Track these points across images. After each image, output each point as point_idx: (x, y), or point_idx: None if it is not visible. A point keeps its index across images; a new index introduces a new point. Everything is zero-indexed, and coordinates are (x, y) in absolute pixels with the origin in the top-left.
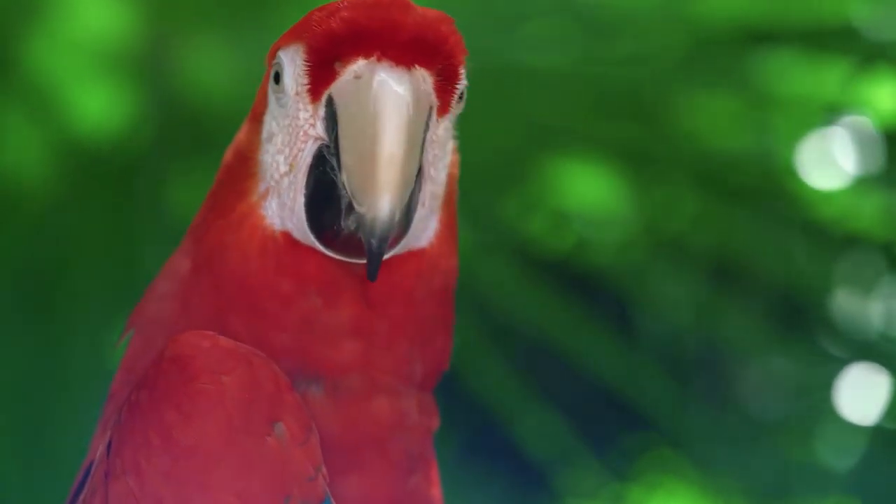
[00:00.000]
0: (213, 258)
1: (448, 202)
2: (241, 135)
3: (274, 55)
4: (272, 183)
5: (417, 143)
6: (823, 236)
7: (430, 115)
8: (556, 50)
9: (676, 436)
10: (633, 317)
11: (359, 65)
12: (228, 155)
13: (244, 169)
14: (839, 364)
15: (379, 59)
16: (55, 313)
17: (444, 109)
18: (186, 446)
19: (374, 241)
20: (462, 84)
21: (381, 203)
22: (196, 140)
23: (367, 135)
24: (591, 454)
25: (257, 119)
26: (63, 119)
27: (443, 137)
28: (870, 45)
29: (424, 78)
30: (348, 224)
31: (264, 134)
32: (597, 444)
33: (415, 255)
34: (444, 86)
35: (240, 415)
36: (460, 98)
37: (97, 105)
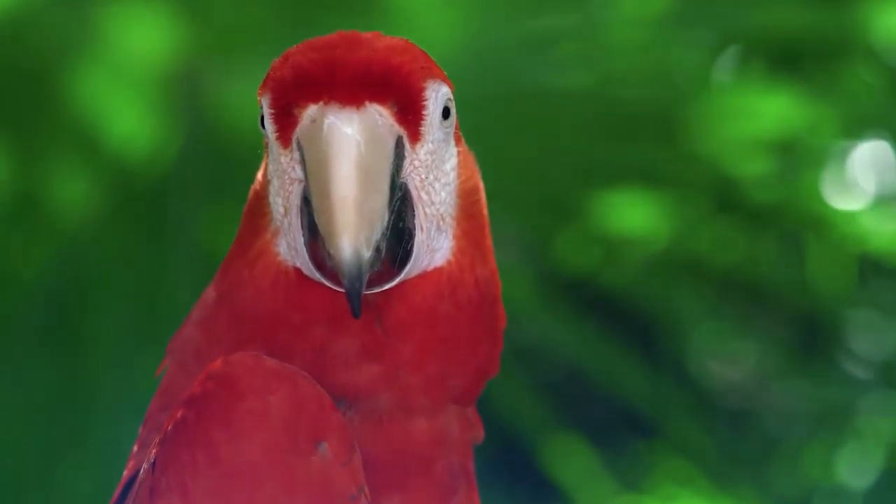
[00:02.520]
0: (232, 291)
1: (467, 215)
2: (259, 172)
3: (260, 100)
4: (279, 223)
5: (380, 178)
6: (844, 258)
7: (400, 146)
8: (579, 72)
9: (697, 454)
10: (655, 336)
11: (311, 109)
12: (251, 190)
13: (259, 207)
14: (858, 384)
15: (327, 103)
16: (84, 341)
17: (414, 136)
18: (231, 465)
19: (344, 282)
20: (428, 110)
21: (342, 245)
22: (227, 169)
23: (323, 178)
24: (612, 470)
25: (268, 157)
26: (96, 148)
27: (431, 160)
28: (891, 67)
29: (380, 112)
30: (330, 263)
31: (269, 175)
32: (618, 461)
33: (432, 275)
34: (408, 116)
35: (284, 434)
36: (445, 115)
37: (131, 133)
